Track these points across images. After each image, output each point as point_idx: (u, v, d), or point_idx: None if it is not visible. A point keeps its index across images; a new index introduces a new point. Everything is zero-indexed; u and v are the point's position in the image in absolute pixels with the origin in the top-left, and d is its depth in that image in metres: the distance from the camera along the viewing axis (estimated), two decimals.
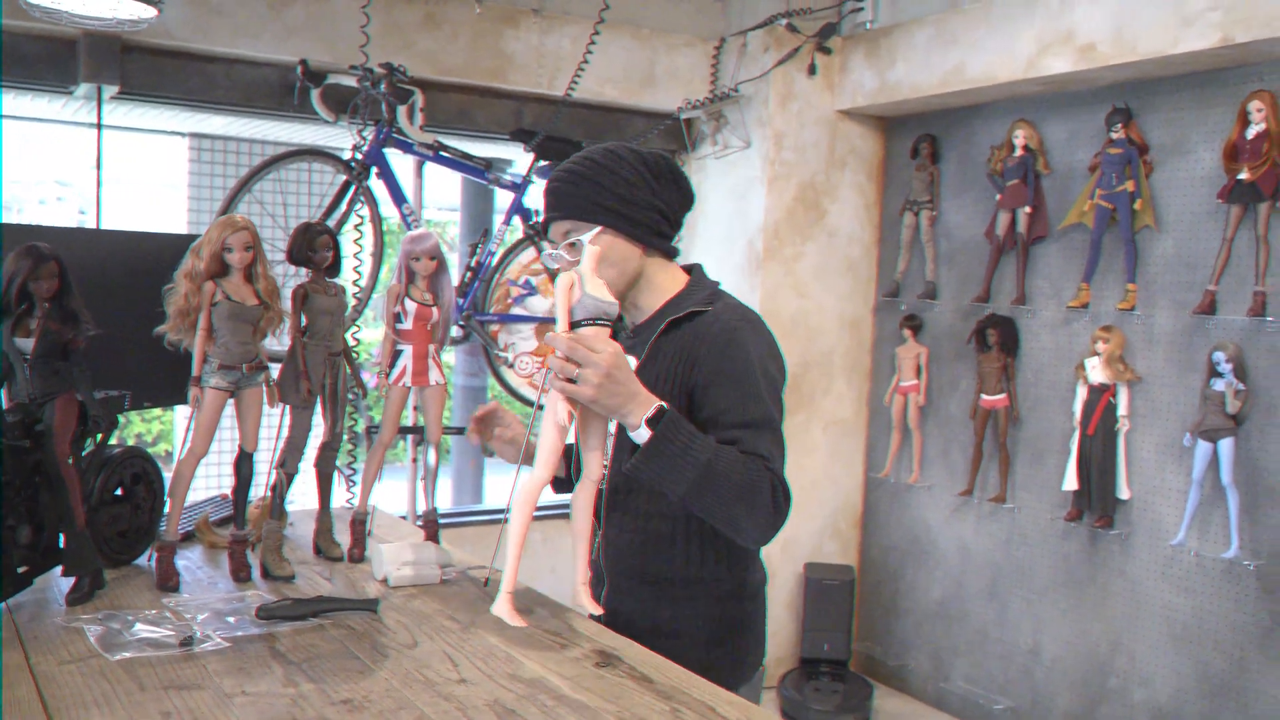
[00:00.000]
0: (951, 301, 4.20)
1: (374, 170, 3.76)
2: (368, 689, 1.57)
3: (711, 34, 4.58)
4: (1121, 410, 3.57)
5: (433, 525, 2.30)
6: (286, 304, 2.15)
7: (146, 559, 2.13)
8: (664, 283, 1.92)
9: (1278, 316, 3.21)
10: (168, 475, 2.17)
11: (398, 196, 3.86)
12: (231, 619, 1.83)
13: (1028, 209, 3.86)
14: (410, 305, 2.22)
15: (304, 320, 2.16)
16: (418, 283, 2.25)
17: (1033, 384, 3.90)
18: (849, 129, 4.44)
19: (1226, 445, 3.27)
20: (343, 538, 2.29)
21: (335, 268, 2.20)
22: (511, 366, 4.10)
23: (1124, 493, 3.58)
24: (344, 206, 3.73)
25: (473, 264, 4.04)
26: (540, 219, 4.10)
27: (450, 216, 7.78)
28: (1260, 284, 3.23)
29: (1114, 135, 3.57)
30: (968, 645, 4.16)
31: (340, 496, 2.81)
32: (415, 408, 3.83)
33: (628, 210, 1.84)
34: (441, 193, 6.24)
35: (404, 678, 1.62)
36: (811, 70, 4.29)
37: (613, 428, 1.76)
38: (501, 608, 1.65)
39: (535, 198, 4.16)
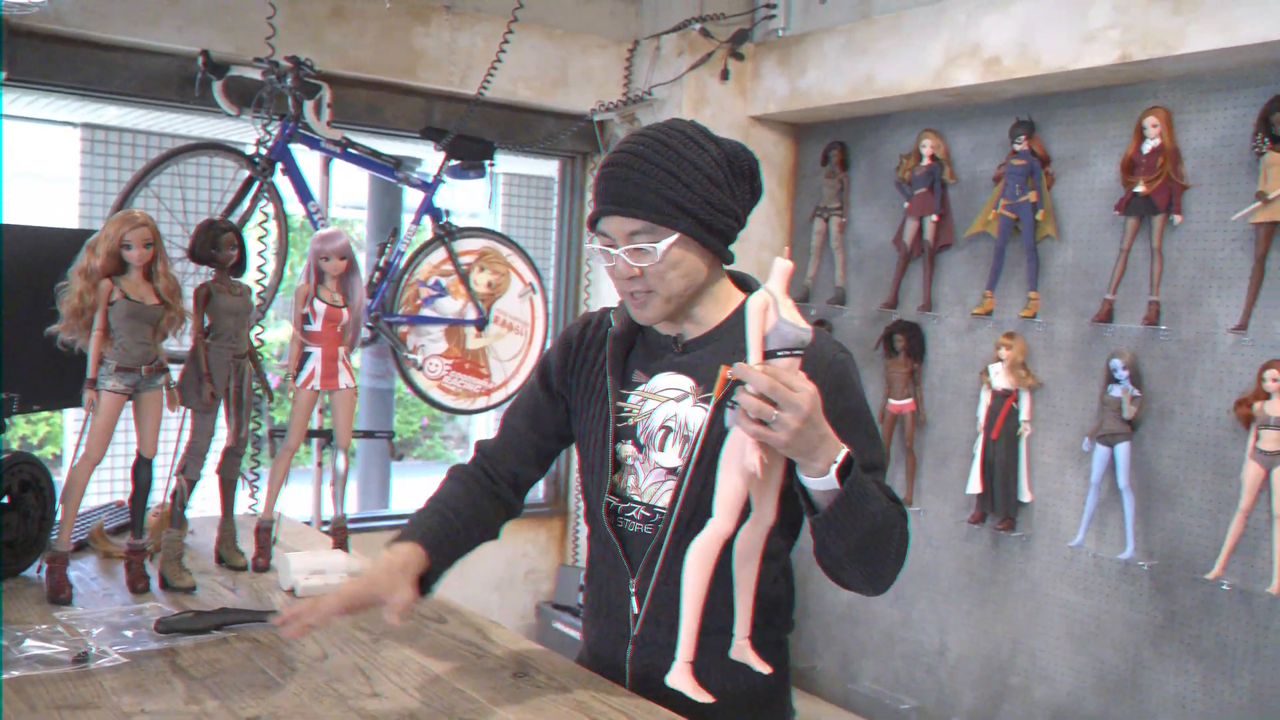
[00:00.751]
0: (860, 307, 4.25)
1: (279, 166, 3.66)
2: (276, 705, 1.51)
3: (625, 36, 4.56)
4: (1024, 415, 3.66)
5: (341, 532, 2.24)
6: (188, 303, 2.07)
7: (36, 570, 2.03)
8: (721, 294, 1.66)
9: (1171, 325, 3.32)
10: (58, 480, 2.07)
11: (304, 194, 3.75)
12: (129, 633, 1.75)
13: (934, 217, 3.93)
14: (320, 306, 2.17)
15: (207, 321, 2.08)
16: (327, 283, 2.20)
17: (938, 389, 3.97)
18: (761, 135, 4.47)
19: (1123, 449, 3.37)
20: (246, 546, 2.22)
21: (240, 266, 2.13)
22: (421, 369, 4.02)
23: (1025, 495, 3.67)
24: (247, 203, 3.61)
25: (381, 264, 3.96)
26: (448, 219, 4.06)
27: (356, 215, 7.62)
28: (1155, 294, 3.34)
29: (1017, 147, 3.65)
30: (875, 647, 4.21)
31: (243, 503, 2.71)
32: (321, 411, 3.74)
33: (709, 215, 1.56)
34: (347, 190, 6.11)
35: (314, 692, 1.57)
36: (724, 76, 4.30)
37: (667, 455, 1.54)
38: (680, 679, 1.43)
39: (445, 197, 4.10)
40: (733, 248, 1.63)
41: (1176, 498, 3.31)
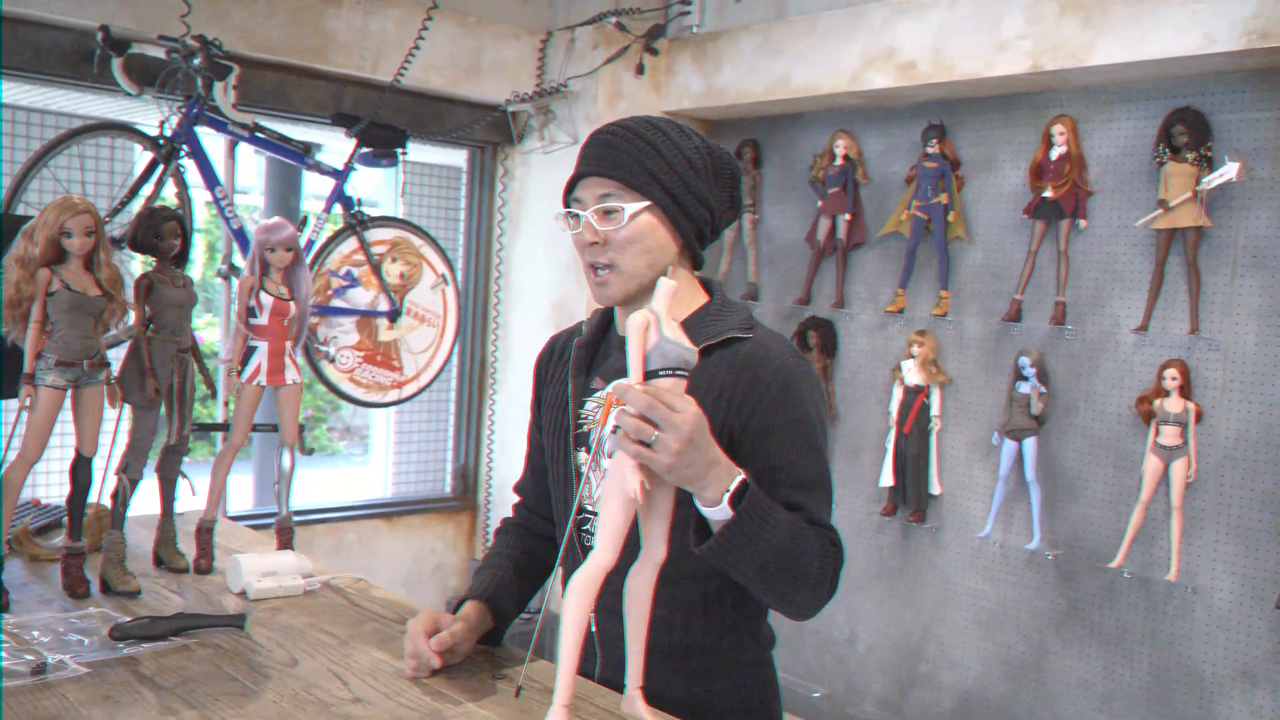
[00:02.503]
0: (773, 303, 4.32)
1: (184, 149, 3.50)
2: (256, 714, 1.46)
3: (538, 26, 4.52)
4: (934, 411, 3.78)
5: (288, 532, 2.17)
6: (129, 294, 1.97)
7: None
8: (684, 293, 1.62)
9: (1076, 325, 3.47)
10: None
11: (210, 178, 3.61)
12: (82, 641, 1.66)
13: (847, 216, 4.02)
14: (266, 299, 2.09)
15: (148, 313, 1.98)
16: (272, 275, 2.12)
17: (850, 384, 4.07)
18: None
19: (1030, 444, 3.51)
20: (185, 547, 2.12)
21: (183, 257, 2.03)
22: (333, 361, 3.92)
23: (936, 488, 3.79)
24: (151, 187, 3.45)
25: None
26: (359, 208, 3.95)
27: (245, 201, 7.34)
28: (1061, 294, 3.49)
29: (929, 150, 3.76)
30: (785, 636, 4.26)
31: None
32: (226, 404, 3.60)
33: (682, 195, 1.54)
34: (239, 175, 5.87)
35: (293, 699, 1.51)
36: (640, 70, 4.30)
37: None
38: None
39: (356, 185, 4.00)
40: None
41: (1080, 490, 3.47)
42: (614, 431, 1.33)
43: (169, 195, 3.56)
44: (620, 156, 1.53)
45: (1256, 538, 3.11)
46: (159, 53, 3.45)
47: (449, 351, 4.32)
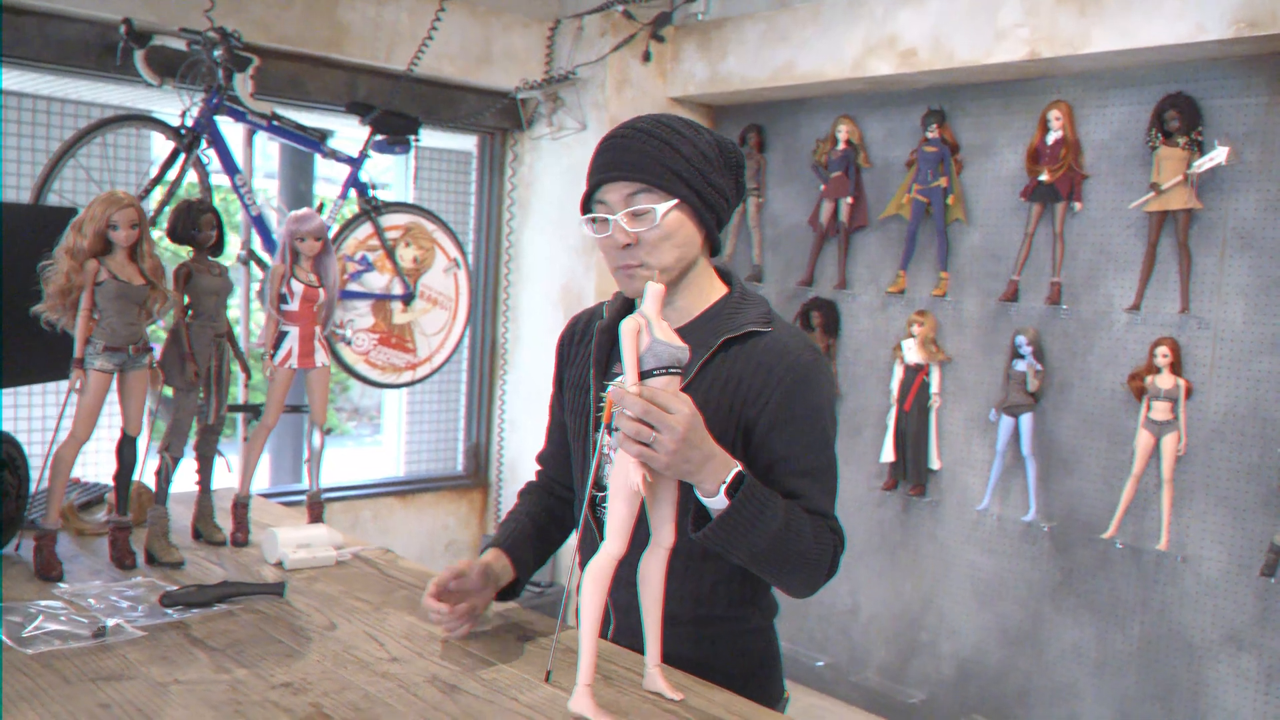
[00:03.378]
0: (776, 285, 4.43)
1: (205, 138, 3.61)
2: (303, 671, 1.58)
3: (546, 14, 4.61)
4: (934, 388, 3.89)
5: (318, 507, 2.29)
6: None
7: (14, 548, 2.03)
8: (705, 284, 1.71)
9: (1071, 305, 3.58)
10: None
11: (230, 167, 3.72)
12: (134, 607, 1.78)
13: (849, 200, 4.12)
14: (297, 286, 2.20)
15: (187, 300, 2.10)
16: (302, 263, 2.23)
17: (853, 363, 4.18)
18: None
19: (1027, 420, 3.63)
20: (220, 522, 2.25)
21: (219, 246, 2.14)
22: (349, 344, 4.04)
23: (935, 463, 3.91)
24: (173, 176, 3.57)
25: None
26: (374, 194, 4.05)
27: (268, 185, 7.45)
28: (1056, 275, 3.59)
29: (929, 135, 3.86)
30: (789, 608, 4.38)
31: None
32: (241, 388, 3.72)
33: (703, 188, 1.61)
34: (258, 161, 5.97)
35: (335, 659, 1.64)
36: (646, 57, 4.40)
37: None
38: (582, 703, 1.41)
39: (371, 171, 4.11)
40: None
41: (1075, 464, 3.58)
42: (612, 433, 1.43)
43: (190, 182, 3.68)
44: (641, 158, 1.58)
45: (1243, 508, 3.23)
46: (180, 44, 3.55)
47: (461, 333, 4.43)
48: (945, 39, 3.60)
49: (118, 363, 1.95)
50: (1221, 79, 3.25)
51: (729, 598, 1.73)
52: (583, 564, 1.80)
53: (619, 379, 1.76)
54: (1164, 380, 3.32)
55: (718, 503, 1.48)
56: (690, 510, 1.53)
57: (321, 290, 2.23)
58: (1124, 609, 3.48)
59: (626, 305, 1.80)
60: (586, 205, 1.68)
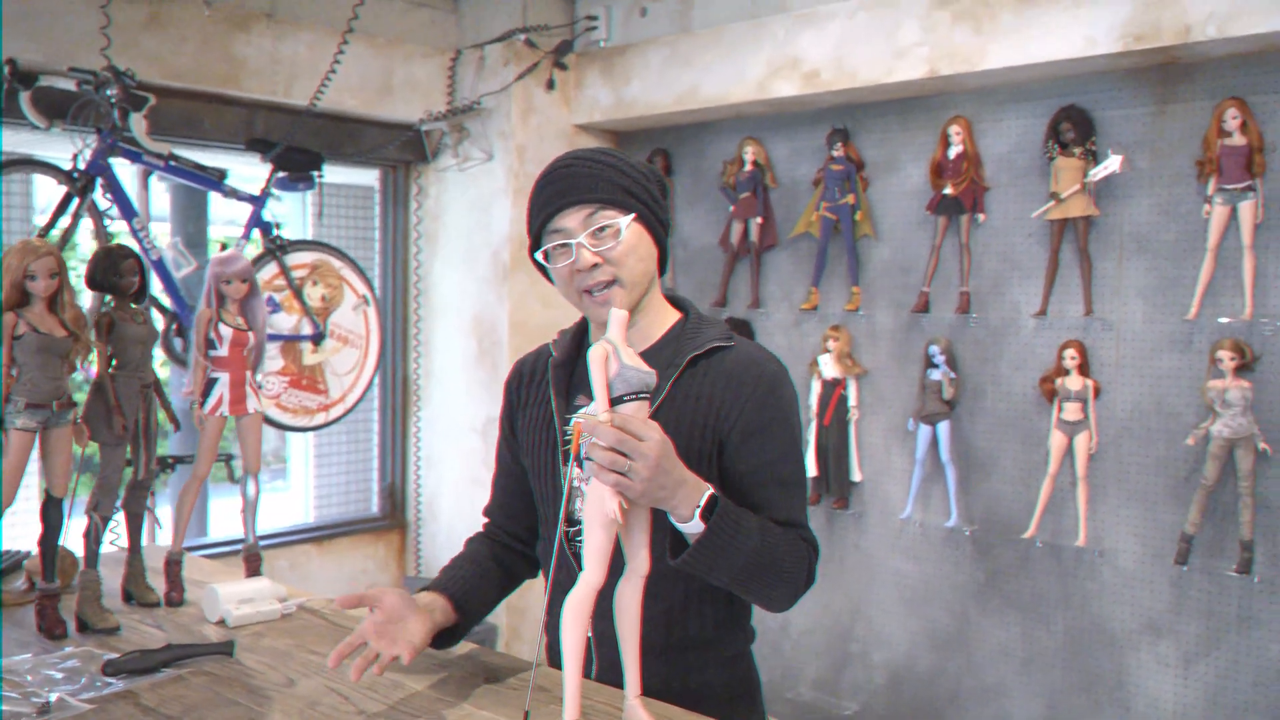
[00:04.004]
0: None
1: (99, 182, 3.48)
2: None
3: (446, 45, 4.58)
4: (852, 401, 3.96)
5: (255, 559, 2.21)
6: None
7: None
8: (661, 307, 1.72)
9: (980, 313, 3.69)
10: None
11: (127, 210, 3.58)
12: (73, 679, 1.68)
13: (759, 219, 4.18)
14: (225, 331, 2.13)
15: (109, 351, 2.01)
16: (228, 306, 2.16)
17: None
18: (585, 143, 4.60)
19: (944, 427, 3.72)
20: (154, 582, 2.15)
21: (141, 293, 2.06)
22: (260, 388, 3.90)
23: (857, 475, 3.97)
24: (67, 221, 3.42)
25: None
26: (279, 232, 3.95)
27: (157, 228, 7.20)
28: (965, 285, 3.70)
29: (835, 153, 3.94)
30: None
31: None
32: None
33: (652, 204, 1.64)
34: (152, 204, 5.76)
35: (302, 716, 1.57)
36: (550, 85, 4.40)
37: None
38: None
39: (274, 210, 4.00)
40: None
41: (992, 468, 3.68)
42: (580, 462, 1.41)
43: (85, 228, 3.53)
44: (592, 180, 1.59)
45: (1154, 500, 3.36)
46: (69, 84, 3.42)
47: (374, 372, 4.34)
48: (847, 59, 3.68)
49: (41, 420, 1.85)
50: (1111, 91, 3.40)
51: (710, 621, 1.71)
52: (554, 599, 1.78)
53: (584, 409, 1.74)
54: (1073, 381, 3.44)
55: (693, 527, 1.48)
56: (666, 538, 1.52)
57: (251, 334, 2.16)
58: (1047, 606, 3.58)
59: (579, 338, 1.79)
60: (537, 242, 1.67)
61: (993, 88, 3.61)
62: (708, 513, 1.47)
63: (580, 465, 1.56)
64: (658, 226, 1.65)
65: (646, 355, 1.66)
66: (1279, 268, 3.13)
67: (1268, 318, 3.14)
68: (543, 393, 1.79)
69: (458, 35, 4.64)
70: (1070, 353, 3.44)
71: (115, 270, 2.00)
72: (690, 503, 1.46)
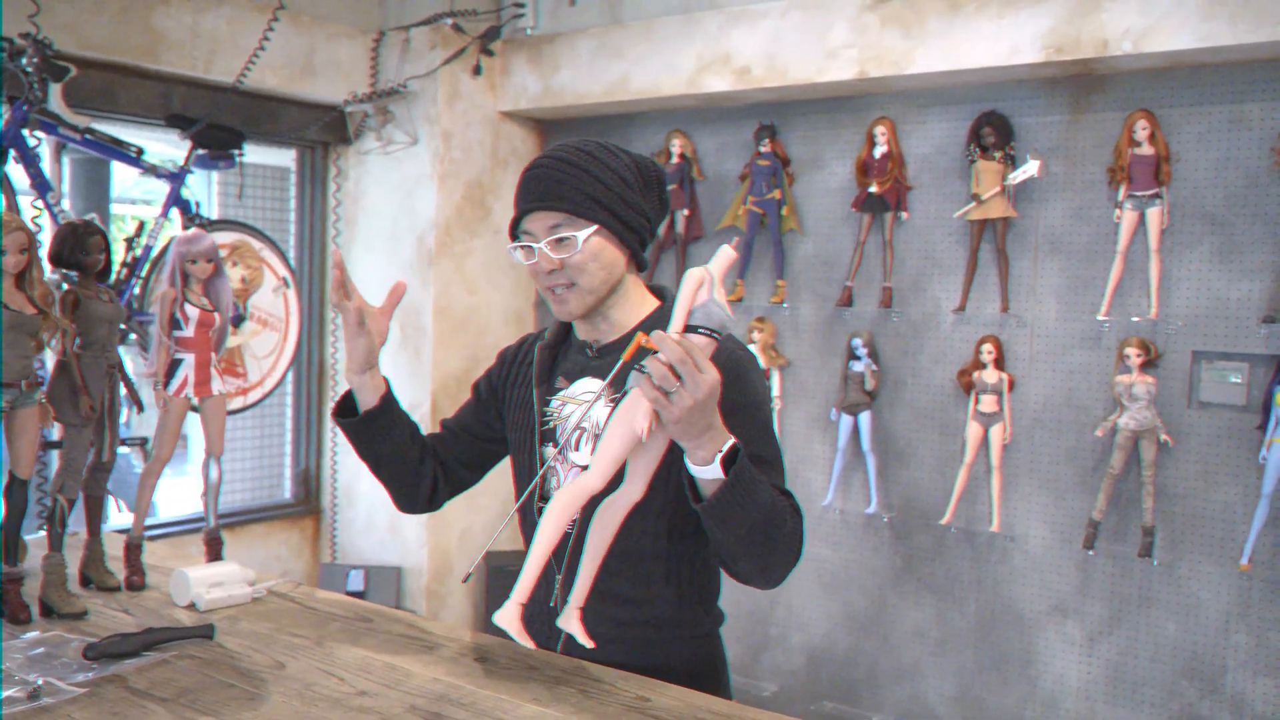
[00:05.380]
0: None
1: (10, 154, 3.33)
2: (273, 714, 1.51)
3: (370, 26, 4.51)
4: (775, 392, 4.06)
5: (216, 543, 2.17)
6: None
7: None
8: (636, 298, 1.76)
9: (902, 308, 3.83)
10: None
11: (41, 185, 3.44)
12: (50, 663, 1.64)
13: (685, 211, 4.24)
14: (192, 311, 2.09)
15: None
16: (193, 286, 2.11)
17: None
18: (510, 130, 4.59)
19: (865, 418, 3.85)
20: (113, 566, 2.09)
21: (107, 271, 2.00)
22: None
23: None
24: None
25: (128, 259, 3.70)
26: (198, 211, 3.84)
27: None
28: (888, 281, 3.84)
29: (762, 149, 4.03)
30: None
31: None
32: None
33: (623, 211, 1.68)
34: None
35: (300, 698, 1.57)
36: (476, 71, 4.37)
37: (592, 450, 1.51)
38: (508, 617, 1.44)
39: (193, 188, 3.90)
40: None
41: (911, 457, 3.83)
42: (639, 370, 1.40)
43: None
44: (562, 188, 1.65)
45: (1063, 488, 3.55)
46: None
47: (293, 355, 4.27)
48: (778, 57, 3.78)
49: (10, 399, 1.79)
50: (1029, 98, 3.57)
51: (675, 601, 1.75)
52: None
53: (561, 393, 1.79)
54: (989, 375, 3.61)
55: (710, 472, 1.49)
56: (683, 479, 1.55)
57: (216, 314, 2.12)
58: (960, 589, 3.75)
59: (566, 326, 1.83)
60: (514, 233, 1.73)
61: (917, 91, 3.75)
62: (729, 461, 1.48)
63: (556, 447, 1.61)
64: (625, 233, 1.69)
65: (616, 345, 1.72)
66: (1183, 270, 3.35)
67: (1172, 317, 3.35)
68: (525, 374, 1.84)
69: (381, 16, 4.57)
70: (987, 347, 3.60)
71: (82, 247, 1.94)
72: (713, 446, 1.47)
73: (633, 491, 1.51)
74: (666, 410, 1.41)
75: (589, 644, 1.55)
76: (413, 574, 4.44)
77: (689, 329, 1.42)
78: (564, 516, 1.43)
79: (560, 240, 1.65)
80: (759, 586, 1.72)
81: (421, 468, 1.91)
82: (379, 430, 1.86)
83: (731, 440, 1.50)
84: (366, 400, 1.85)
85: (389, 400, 1.86)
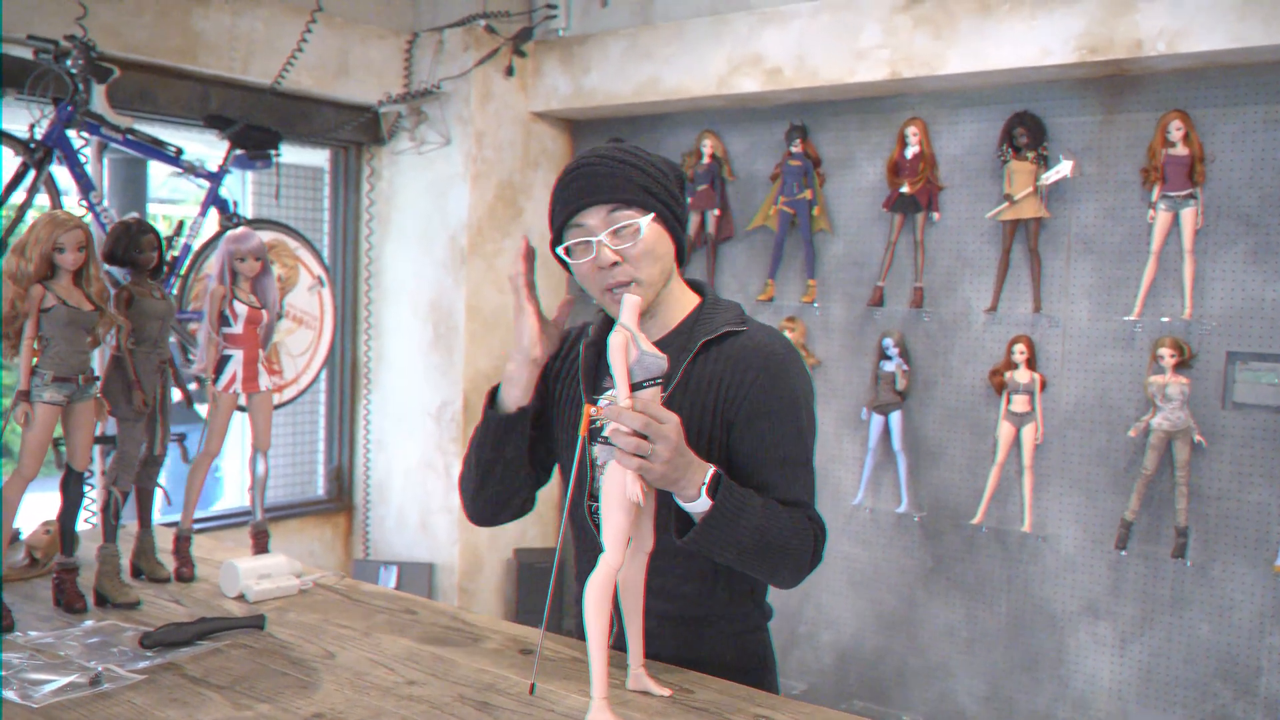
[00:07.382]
0: None
1: (55, 154, 3.39)
2: (327, 702, 1.54)
3: (403, 27, 4.56)
4: None
5: (263, 535, 2.22)
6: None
7: None
8: (680, 295, 1.77)
9: (933, 308, 3.84)
10: None
11: (85, 184, 3.50)
12: (108, 651, 1.68)
13: (716, 211, 4.27)
14: (240, 308, 2.13)
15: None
16: (241, 284, 2.16)
17: None
18: (541, 130, 4.63)
19: (896, 417, 3.86)
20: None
21: (160, 268, 2.05)
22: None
23: None
24: (23, 195, 3.33)
25: (168, 258, 3.76)
26: (236, 210, 3.90)
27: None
28: (919, 280, 3.85)
29: (793, 149, 4.05)
30: None
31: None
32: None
33: (671, 203, 1.68)
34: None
35: (354, 687, 1.60)
36: (509, 72, 4.41)
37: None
38: (600, 717, 1.43)
39: (231, 188, 3.95)
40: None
41: (941, 456, 3.84)
42: (604, 443, 1.46)
43: (41, 202, 3.44)
44: (613, 180, 1.64)
45: (1096, 489, 3.55)
46: (26, 53, 3.32)
47: (327, 353, 4.31)
48: (809, 58, 3.79)
49: (67, 393, 1.83)
50: (1062, 99, 3.57)
51: (729, 594, 1.77)
52: (579, 574, 1.84)
53: (609, 392, 1.81)
54: (1021, 375, 3.61)
55: (699, 505, 1.54)
56: (673, 516, 1.59)
57: (264, 311, 2.16)
58: (991, 588, 3.76)
59: (609, 321, 1.85)
60: (559, 238, 1.72)
61: (949, 91, 3.76)
62: (713, 491, 1.53)
63: (595, 444, 1.64)
64: (675, 223, 1.70)
65: (663, 341, 1.72)
66: (1217, 271, 3.34)
67: (1205, 318, 3.35)
68: (573, 369, 1.85)
69: (414, 18, 4.62)
70: (1019, 347, 3.61)
71: (135, 245, 1.99)
72: (696, 482, 1.52)
73: (643, 545, 1.54)
74: (649, 471, 1.46)
75: (665, 693, 1.57)
76: (444, 570, 4.48)
77: (635, 387, 1.46)
78: (603, 603, 1.45)
79: (620, 230, 1.63)
80: (775, 586, 1.75)
81: (526, 481, 1.88)
82: (521, 433, 1.81)
83: (712, 469, 1.54)
84: (517, 397, 1.80)
85: (533, 420, 1.82)
